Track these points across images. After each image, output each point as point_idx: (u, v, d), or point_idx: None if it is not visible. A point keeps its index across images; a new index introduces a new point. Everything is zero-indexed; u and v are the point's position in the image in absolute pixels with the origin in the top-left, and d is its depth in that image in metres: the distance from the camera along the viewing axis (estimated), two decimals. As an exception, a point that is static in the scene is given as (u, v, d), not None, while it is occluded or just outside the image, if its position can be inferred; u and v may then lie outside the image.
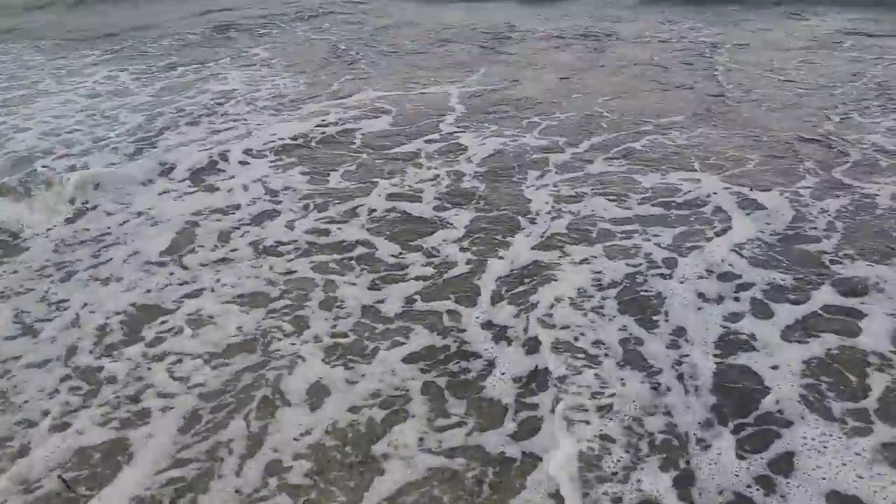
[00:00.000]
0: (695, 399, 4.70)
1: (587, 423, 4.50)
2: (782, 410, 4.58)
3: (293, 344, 5.47)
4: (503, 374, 5.06)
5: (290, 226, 7.34)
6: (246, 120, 10.64)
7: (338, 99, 11.59)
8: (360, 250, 6.79)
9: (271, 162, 8.95)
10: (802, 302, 5.75)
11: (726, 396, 4.73)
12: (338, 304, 5.96)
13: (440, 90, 12.04)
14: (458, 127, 10.15)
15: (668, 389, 4.79)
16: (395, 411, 4.77)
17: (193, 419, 4.79)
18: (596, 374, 4.95)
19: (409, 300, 5.98)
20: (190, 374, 5.20)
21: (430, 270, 6.41)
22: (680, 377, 4.89)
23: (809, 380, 4.87)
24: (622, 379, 4.91)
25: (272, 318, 5.82)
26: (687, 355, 5.12)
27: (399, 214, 7.51)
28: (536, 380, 4.98)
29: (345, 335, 5.55)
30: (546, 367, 5.05)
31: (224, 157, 8.94)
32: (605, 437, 4.40)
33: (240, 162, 8.85)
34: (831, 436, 4.36)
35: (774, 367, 4.98)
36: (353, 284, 6.25)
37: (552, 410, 4.65)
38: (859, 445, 4.27)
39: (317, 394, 4.98)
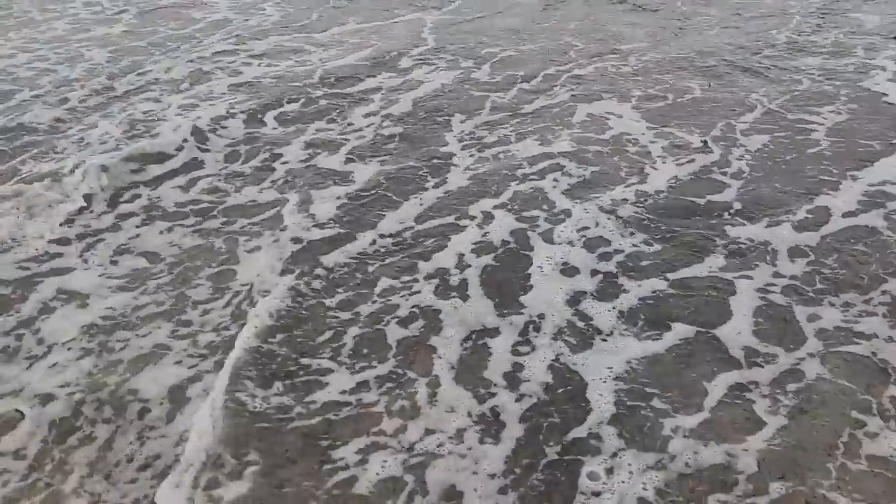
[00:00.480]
0: (505, 435, 3.81)
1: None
2: (595, 435, 3.78)
3: (166, 334, 4.62)
4: (328, 397, 4.10)
5: (198, 182, 6.51)
6: (215, 54, 9.86)
7: (313, 32, 10.78)
8: (266, 212, 5.99)
9: (225, 102, 8.12)
10: (670, 276, 4.98)
11: (540, 422, 3.87)
12: (225, 283, 5.11)
13: (417, 18, 11.29)
14: (417, 61, 9.38)
15: (487, 417, 3.91)
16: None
17: (44, 427, 3.96)
18: (428, 390, 4.10)
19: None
20: (46, 368, 4.37)
21: (317, 233, 5.63)
22: (491, 414, 3.93)
23: (637, 389, 4.06)
24: (450, 409, 3.97)
25: (150, 296, 4.99)
26: (521, 364, 4.26)
27: (312, 166, 6.73)
28: (361, 400, 4.07)
29: (225, 328, 4.67)
30: (375, 380, 4.22)
31: (168, 104, 8.18)
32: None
33: (180, 106, 8.07)
34: (620, 471, 3.58)
35: (608, 372, 4.17)
36: (255, 251, 5.44)
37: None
38: (641, 485, 3.49)
39: (175, 400, 4.13)
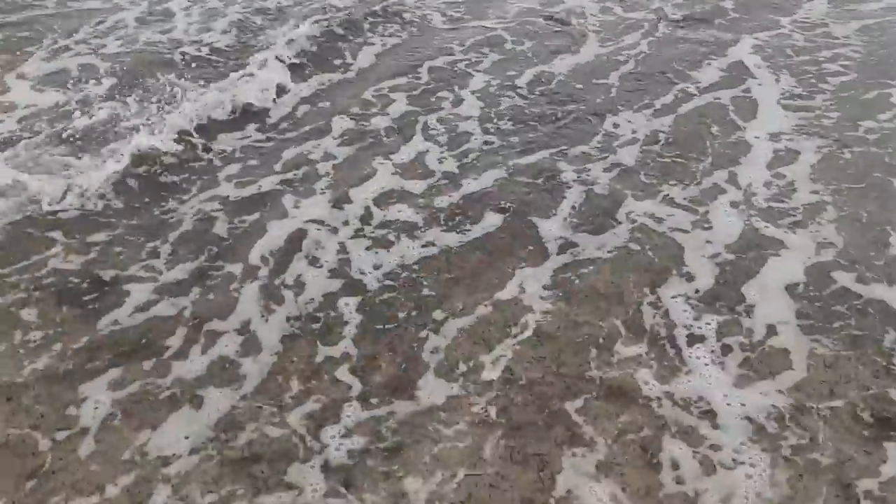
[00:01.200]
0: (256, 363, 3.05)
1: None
2: (340, 357, 3.06)
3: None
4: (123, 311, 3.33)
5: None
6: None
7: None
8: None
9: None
10: (512, 169, 4.25)
11: (293, 346, 3.10)
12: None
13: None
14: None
15: (252, 337, 3.16)
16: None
17: None
18: (233, 292, 3.42)
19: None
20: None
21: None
22: (256, 336, 3.21)
23: (419, 298, 3.33)
24: (240, 325, 3.23)
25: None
26: (314, 270, 3.54)
27: (208, 62, 5.78)
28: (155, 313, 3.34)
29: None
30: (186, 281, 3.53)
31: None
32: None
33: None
34: (331, 427, 2.79)
35: (389, 274, 3.48)
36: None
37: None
38: (336, 448, 2.70)
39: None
